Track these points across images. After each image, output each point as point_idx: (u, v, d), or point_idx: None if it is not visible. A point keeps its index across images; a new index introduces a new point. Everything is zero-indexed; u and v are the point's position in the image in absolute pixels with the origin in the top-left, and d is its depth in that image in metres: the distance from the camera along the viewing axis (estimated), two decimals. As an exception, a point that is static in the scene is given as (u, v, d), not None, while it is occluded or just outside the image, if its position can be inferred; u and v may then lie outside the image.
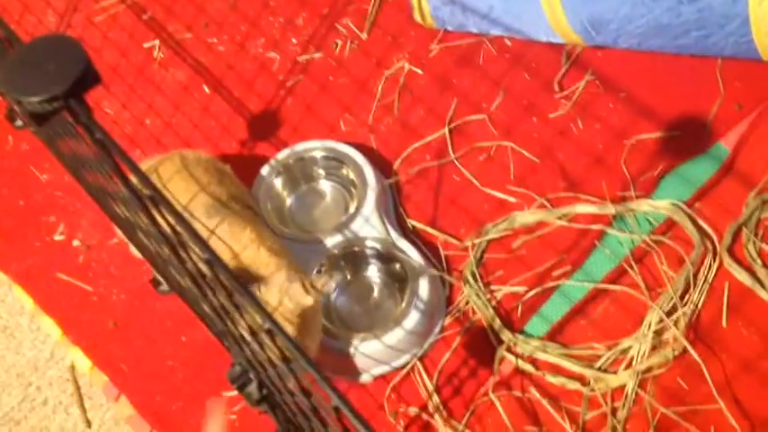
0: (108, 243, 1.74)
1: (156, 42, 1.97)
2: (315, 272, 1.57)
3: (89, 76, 0.64)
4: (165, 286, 1.63)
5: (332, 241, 1.62)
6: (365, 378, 1.55)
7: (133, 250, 1.59)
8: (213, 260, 0.59)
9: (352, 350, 1.51)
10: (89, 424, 1.60)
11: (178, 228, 0.62)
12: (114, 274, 1.72)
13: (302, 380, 0.63)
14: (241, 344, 0.88)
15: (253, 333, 0.69)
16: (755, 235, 1.56)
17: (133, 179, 0.67)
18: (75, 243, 1.76)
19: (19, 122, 1.66)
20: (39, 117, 0.64)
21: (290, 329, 1.34)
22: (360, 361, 1.52)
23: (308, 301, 1.30)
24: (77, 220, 1.78)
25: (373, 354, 1.52)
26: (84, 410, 1.61)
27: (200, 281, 0.71)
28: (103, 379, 1.62)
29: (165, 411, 1.57)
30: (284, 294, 1.31)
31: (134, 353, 1.63)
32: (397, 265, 1.60)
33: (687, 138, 1.69)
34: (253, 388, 1.05)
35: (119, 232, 1.60)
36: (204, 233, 1.38)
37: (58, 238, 1.77)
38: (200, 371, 1.60)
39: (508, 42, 1.85)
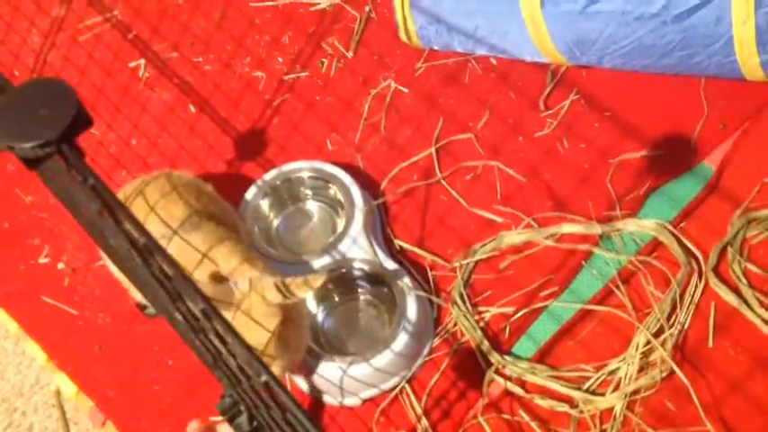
0: (93, 266, 1.73)
1: (142, 62, 1.97)
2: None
3: (81, 120, 0.64)
4: (151, 309, 1.63)
5: (319, 263, 1.61)
6: (353, 401, 1.54)
7: (121, 278, 1.57)
8: (209, 310, 0.59)
9: (340, 373, 1.50)
10: (75, 449, 1.59)
11: (172, 276, 0.61)
12: (100, 298, 1.70)
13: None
14: (231, 378, 0.88)
15: (243, 373, 0.68)
16: (741, 254, 1.57)
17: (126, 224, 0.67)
18: (61, 266, 1.75)
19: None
20: (30, 162, 0.63)
21: (264, 331, 1.33)
22: (348, 384, 1.52)
23: (275, 298, 1.31)
24: (62, 242, 1.77)
25: (362, 377, 1.51)
26: (70, 436, 1.60)
27: (193, 323, 0.71)
28: (89, 404, 1.61)
29: (152, 436, 1.56)
30: (254, 288, 1.32)
31: (120, 377, 1.62)
32: (385, 287, 1.59)
33: (672, 157, 1.70)
34: (243, 419, 1.04)
35: (106, 259, 1.59)
36: (191, 250, 1.37)
37: (42, 260, 1.76)
38: (186, 395, 1.59)
39: (494, 61, 1.85)
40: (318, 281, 1.33)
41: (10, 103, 0.63)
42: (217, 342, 0.66)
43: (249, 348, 0.58)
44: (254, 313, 1.32)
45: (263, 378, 0.57)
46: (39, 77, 0.61)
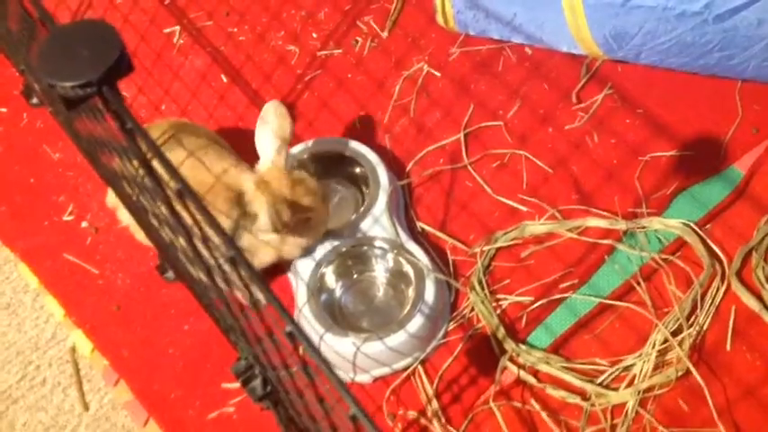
0: (116, 226, 1.73)
1: (177, 28, 1.97)
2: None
3: (123, 63, 0.64)
4: (171, 273, 1.63)
5: (341, 239, 1.62)
6: (365, 378, 1.55)
7: (140, 236, 1.58)
8: (237, 257, 0.59)
9: (353, 349, 1.50)
10: (86, 407, 1.60)
11: (202, 223, 0.62)
12: (121, 258, 1.71)
13: (318, 386, 0.63)
14: (250, 340, 0.88)
15: (269, 333, 0.68)
16: (765, 260, 1.55)
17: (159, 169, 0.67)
18: (84, 225, 1.76)
19: (35, 100, 1.66)
20: (70, 102, 0.63)
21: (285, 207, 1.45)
22: (361, 361, 1.52)
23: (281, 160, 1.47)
24: (87, 201, 1.78)
25: (375, 355, 1.51)
26: (82, 393, 1.61)
27: (216, 275, 0.71)
28: (103, 363, 1.62)
29: (163, 399, 1.56)
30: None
31: (136, 338, 1.63)
32: (405, 267, 1.59)
33: (702, 158, 1.69)
34: (257, 383, 1.05)
35: (125, 218, 1.60)
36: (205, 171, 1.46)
37: (66, 218, 1.77)
38: (200, 361, 1.60)
39: (528, 51, 1.84)
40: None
41: (53, 41, 0.64)
42: (242, 296, 0.66)
43: (277, 300, 0.58)
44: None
45: (288, 328, 0.57)
46: (84, 20, 0.61)
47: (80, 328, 1.65)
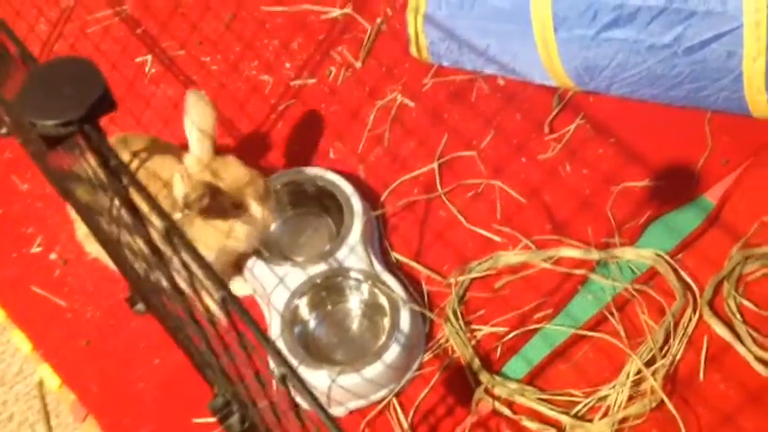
0: (86, 258, 1.71)
1: (149, 57, 1.96)
2: None
3: (106, 101, 0.63)
4: (141, 306, 1.61)
5: (315, 269, 1.60)
6: (339, 411, 1.53)
7: (112, 264, 1.56)
8: (228, 298, 0.58)
9: (329, 381, 1.49)
10: (55, 442, 1.57)
11: (191, 264, 0.60)
12: (90, 291, 1.68)
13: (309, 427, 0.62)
14: (230, 378, 0.87)
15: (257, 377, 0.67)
16: (736, 290, 1.57)
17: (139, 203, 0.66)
18: (53, 256, 1.73)
19: (4, 130, 1.63)
20: (51, 140, 0.62)
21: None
22: (336, 393, 1.50)
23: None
24: (56, 232, 1.75)
25: (351, 386, 1.50)
26: (49, 429, 1.58)
27: (200, 315, 0.70)
28: (71, 398, 1.59)
29: (134, 434, 1.53)
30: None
31: (105, 373, 1.60)
32: (380, 298, 1.59)
33: (673, 188, 1.71)
34: (235, 420, 1.03)
35: (94, 249, 1.57)
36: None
37: (35, 250, 1.74)
38: (171, 395, 1.57)
39: (501, 81, 1.86)
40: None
41: (35, 79, 0.63)
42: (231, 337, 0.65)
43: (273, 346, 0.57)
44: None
45: (281, 371, 0.56)
46: (66, 57, 0.60)
47: (48, 363, 1.62)
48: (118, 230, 0.93)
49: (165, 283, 0.78)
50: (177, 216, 1.47)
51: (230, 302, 0.58)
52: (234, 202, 1.50)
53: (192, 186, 1.44)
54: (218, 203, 1.47)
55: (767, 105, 1.62)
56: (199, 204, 1.43)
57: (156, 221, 0.63)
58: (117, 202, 0.72)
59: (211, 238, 1.51)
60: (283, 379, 0.57)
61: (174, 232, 0.61)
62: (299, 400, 0.72)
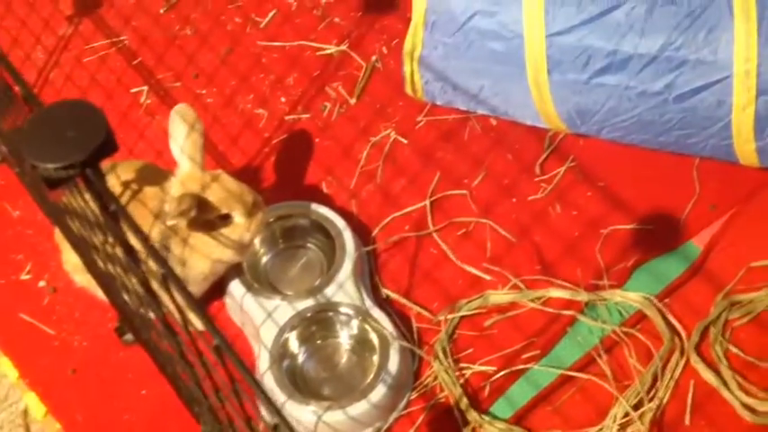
0: (75, 287, 1.70)
1: (144, 89, 1.97)
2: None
3: (108, 145, 0.64)
4: (129, 336, 1.61)
5: (304, 304, 1.61)
6: (325, 448, 1.53)
7: (100, 294, 1.56)
8: (223, 346, 0.59)
9: (314, 418, 1.49)
10: (38, 473, 1.55)
11: (181, 303, 0.61)
12: (79, 319, 1.68)
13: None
14: (218, 417, 0.87)
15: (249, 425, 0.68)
16: (722, 335, 1.58)
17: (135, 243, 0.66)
18: (42, 284, 1.73)
19: (-2, 158, 1.64)
20: (52, 181, 0.63)
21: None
22: (322, 430, 1.50)
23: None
24: (46, 260, 1.75)
25: (336, 424, 1.50)
26: (33, 458, 1.57)
27: (190, 358, 0.70)
28: (57, 427, 1.58)
29: (118, 466, 1.53)
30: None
31: (91, 402, 1.60)
32: (369, 334, 1.59)
33: (661, 233, 1.72)
34: (222, 458, 1.03)
35: (81, 280, 1.57)
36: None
37: (24, 277, 1.74)
38: (157, 427, 1.56)
39: (494, 122, 1.88)
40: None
41: (38, 122, 0.63)
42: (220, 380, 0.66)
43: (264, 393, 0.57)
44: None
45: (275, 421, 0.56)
46: (69, 100, 0.61)
47: (33, 391, 1.61)
48: (113, 267, 0.93)
49: (155, 319, 0.78)
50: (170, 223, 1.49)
51: (225, 350, 0.59)
52: (221, 215, 1.51)
53: (178, 199, 1.45)
54: (206, 215, 1.49)
55: (755, 154, 1.64)
56: (186, 216, 1.44)
57: (152, 265, 0.64)
58: (112, 240, 0.73)
59: (208, 247, 1.53)
60: (275, 429, 0.57)
61: (169, 276, 0.61)
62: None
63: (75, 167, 0.61)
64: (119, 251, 0.70)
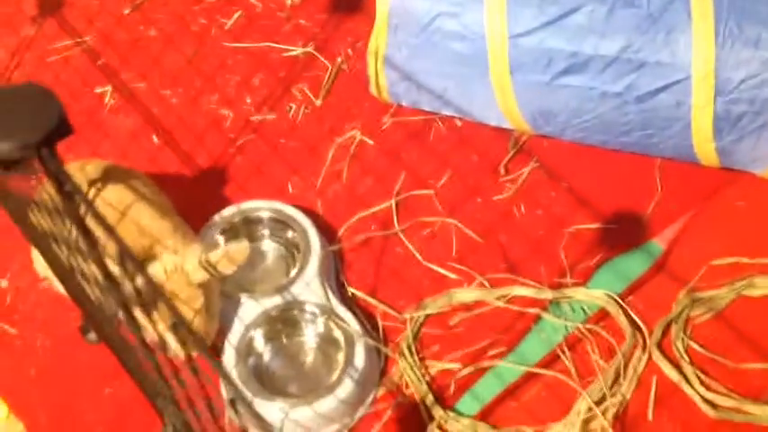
0: (38, 286, 1.69)
1: (109, 88, 1.96)
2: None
3: (63, 126, 0.64)
4: (93, 335, 1.60)
5: (270, 302, 1.61)
6: (291, 446, 1.52)
7: (63, 292, 1.54)
8: (179, 324, 0.59)
9: (281, 415, 1.49)
10: (-2, 475, 1.53)
11: (142, 287, 0.61)
12: (41, 319, 1.66)
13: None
14: (179, 405, 0.87)
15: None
16: (684, 332, 1.60)
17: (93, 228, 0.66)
18: (4, 284, 1.71)
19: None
20: (6, 163, 0.63)
21: (187, 299, 1.44)
22: (288, 427, 1.50)
23: (198, 276, 1.43)
24: (8, 259, 1.73)
25: (303, 420, 1.50)
26: (-6, 460, 1.55)
27: (150, 344, 0.70)
28: (20, 427, 1.56)
29: (81, 466, 1.51)
30: (178, 269, 1.43)
31: (54, 402, 1.58)
32: (335, 332, 1.59)
33: (624, 231, 1.75)
34: (184, 451, 1.02)
35: (43, 275, 1.56)
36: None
37: (-15, 277, 1.72)
38: (121, 426, 1.55)
39: (459, 123, 1.89)
40: (242, 254, 1.44)
41: (-7, 102, 0.63)
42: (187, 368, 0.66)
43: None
44: (180, 294, 1.41)
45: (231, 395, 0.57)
46: (21, 83, 0.61)
47: (-5, 392, 1.59)
48: (76, 260, 0.93)
49: (117, 308, 0.78)
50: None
51: (180, 327, 0.59)
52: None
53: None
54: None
55: (715, 154, 1.67)
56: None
57: (110, 246, 0.64)
58: (71, 226, 0.73)
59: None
60: (232, 403, 0.58)
61: (126, 256, 0.62)
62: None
63: (31, 147, 0.61)
64: (75, 233, 0.70)
